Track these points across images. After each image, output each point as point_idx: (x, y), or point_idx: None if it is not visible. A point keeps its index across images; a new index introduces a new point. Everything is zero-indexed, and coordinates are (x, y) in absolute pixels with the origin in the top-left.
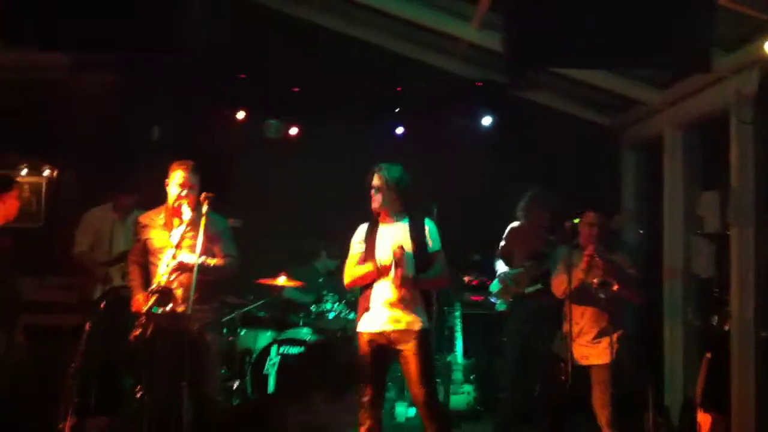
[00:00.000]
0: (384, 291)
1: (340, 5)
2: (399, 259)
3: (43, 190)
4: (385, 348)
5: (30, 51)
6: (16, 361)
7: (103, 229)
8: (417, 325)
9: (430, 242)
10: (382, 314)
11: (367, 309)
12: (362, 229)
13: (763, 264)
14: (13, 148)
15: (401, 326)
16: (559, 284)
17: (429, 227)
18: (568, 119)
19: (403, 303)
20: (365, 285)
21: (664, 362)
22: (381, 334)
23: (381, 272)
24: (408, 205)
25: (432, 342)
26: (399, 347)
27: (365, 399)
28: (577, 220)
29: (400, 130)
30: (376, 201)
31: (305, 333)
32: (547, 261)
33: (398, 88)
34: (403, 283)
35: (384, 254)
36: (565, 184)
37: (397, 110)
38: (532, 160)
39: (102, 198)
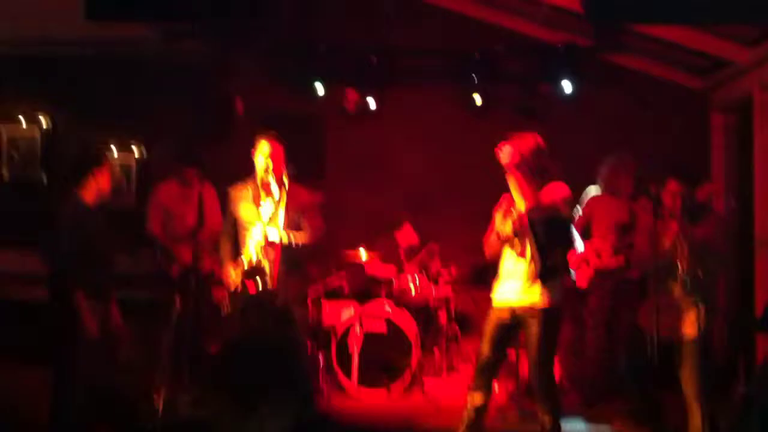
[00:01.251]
0: (509, 263)
1: None
2: (520, 229)
3: (134, 169)
4: (509, 321)
5: (113, 25)
6: (113, 332)
7: (170, 204)
8: (542, 304)
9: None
10: (507, 287)
11: (497, 280)
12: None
13: None
14: (103, 127)
15: (525, 303)
16: (642, 257)
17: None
18: (654, 82)
19: (528, 277)
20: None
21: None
22: (506, 308)
23: (503, 241)
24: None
25: (558, 323)
26: (523, 324)
27: (479, 362)
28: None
29: (477, 98)
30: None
31: (388, 307)
32: (631, 232)
33: (476, 54)
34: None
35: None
36: (652, 150)
37: (474, 76)
38: (617, 126)
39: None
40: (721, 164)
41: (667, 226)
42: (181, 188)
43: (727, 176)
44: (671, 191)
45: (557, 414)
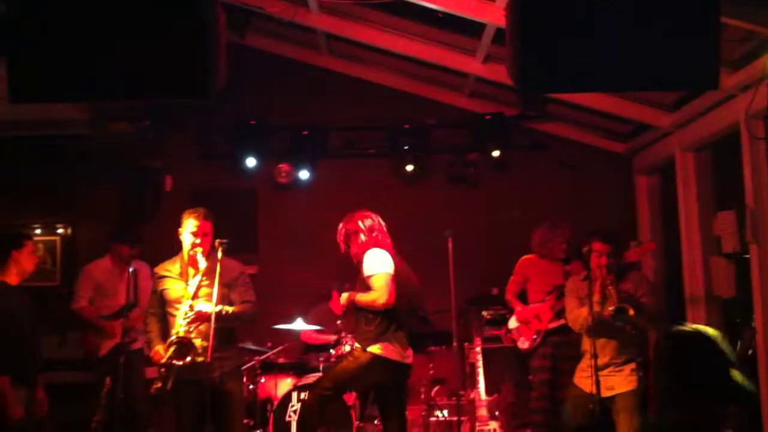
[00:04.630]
0: None
1: (345, 48)
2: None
3: (58, 248)
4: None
5: (41, 107)
6: (38, 418)
7: (104, 282)
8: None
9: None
10: None
11: None
12: None
13: None
14: (26, 207)
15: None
16: (575, 319)
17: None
18: (579, 148)
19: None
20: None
21: None
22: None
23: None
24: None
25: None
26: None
27: None
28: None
29: (410, 168)
30: None
31: None
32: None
33: (406, 126)
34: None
35: None
36: (580, 214)
37: (406, 148)
38: (546, 191)
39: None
40: (646, 224)
41: (596, 287)
42: (116, 266)
43: (652, 235)
44: (596, 251)
45: None
